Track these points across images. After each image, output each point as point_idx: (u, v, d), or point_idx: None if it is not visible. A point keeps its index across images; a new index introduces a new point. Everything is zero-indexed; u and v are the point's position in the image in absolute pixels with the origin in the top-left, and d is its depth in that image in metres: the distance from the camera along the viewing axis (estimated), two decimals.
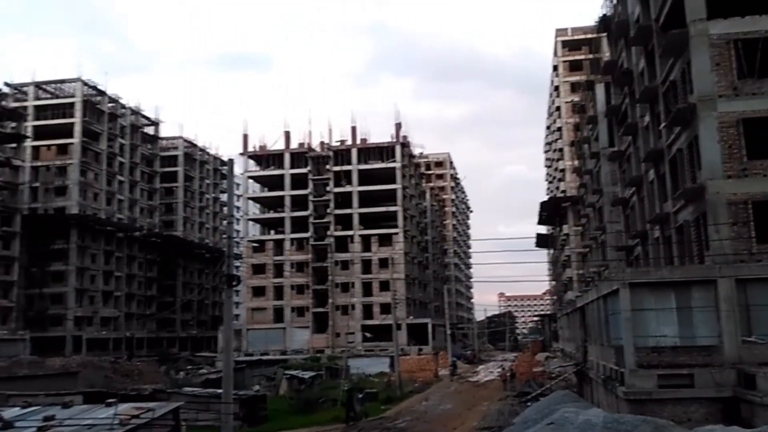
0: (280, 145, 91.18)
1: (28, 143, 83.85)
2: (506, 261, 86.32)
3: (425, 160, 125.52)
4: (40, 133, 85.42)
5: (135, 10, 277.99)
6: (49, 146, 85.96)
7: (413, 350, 74.85)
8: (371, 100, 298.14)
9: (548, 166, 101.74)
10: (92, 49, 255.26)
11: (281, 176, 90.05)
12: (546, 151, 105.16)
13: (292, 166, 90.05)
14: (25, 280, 79.79)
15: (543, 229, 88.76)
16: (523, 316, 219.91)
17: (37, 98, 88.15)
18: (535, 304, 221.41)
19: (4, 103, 79.75)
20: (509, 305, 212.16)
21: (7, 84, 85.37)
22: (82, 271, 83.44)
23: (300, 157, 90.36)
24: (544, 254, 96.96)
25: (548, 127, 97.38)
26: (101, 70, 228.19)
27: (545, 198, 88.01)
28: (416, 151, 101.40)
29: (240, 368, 45.25)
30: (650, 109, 31.37)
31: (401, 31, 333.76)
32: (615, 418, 16.82)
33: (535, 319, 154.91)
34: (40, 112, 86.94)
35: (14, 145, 79.83)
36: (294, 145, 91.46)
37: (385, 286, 79.61)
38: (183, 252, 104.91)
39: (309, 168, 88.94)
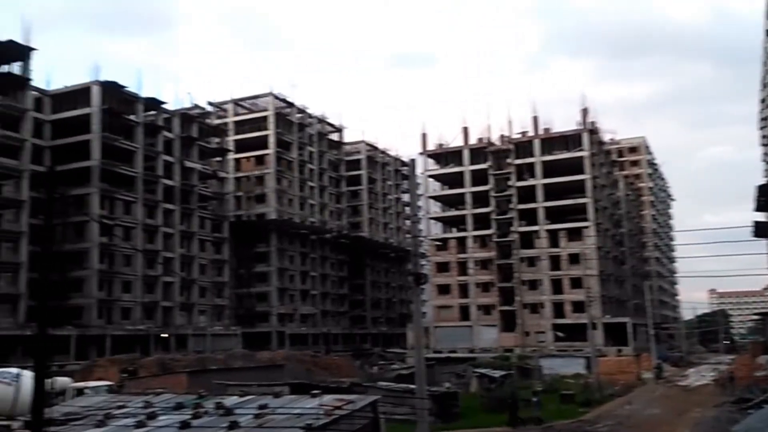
0: (458, 142, 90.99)
1: (231, 156, 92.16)
2: (717, 254, 77.80)
3: (617, 146, 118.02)
4: (240, 146, 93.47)
5: (299, 21, 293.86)
6: (248, 158, 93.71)
7: (611, 351, 70.32)
8: (548, 86, 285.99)
9: (765, 144, 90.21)
10: (271, 62, 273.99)
11: (461, 173, 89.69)
12: (762, 128, 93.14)
13: (472, 162, 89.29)
14: (235, 280, 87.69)
15: (762, 217, 78.80)
16: (739, 315, 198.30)
17: (236, 114, 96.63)
18: (754, 301, 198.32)
19: (208, 120, 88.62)
20: (722, 303, 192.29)
21: (210, 103, 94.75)
22: (282, 271, 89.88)
23: (479, 152, 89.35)
24: (763, 245, 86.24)
25: (762, 100, 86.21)
26: (286, 81, 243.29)
27: (763, 181, 78.02)
28: (606, 137, 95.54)
29: (430, 365, 45.24)
30: None
31: (574, 8, 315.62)
32: None
33: (755, 317, 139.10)
34: (239, 126, 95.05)
35: (219, 158, 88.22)
36: (473, 140, 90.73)
37: (576, 283, 75.53)
38: (370, 252, 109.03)
39: (489, 163, 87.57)
